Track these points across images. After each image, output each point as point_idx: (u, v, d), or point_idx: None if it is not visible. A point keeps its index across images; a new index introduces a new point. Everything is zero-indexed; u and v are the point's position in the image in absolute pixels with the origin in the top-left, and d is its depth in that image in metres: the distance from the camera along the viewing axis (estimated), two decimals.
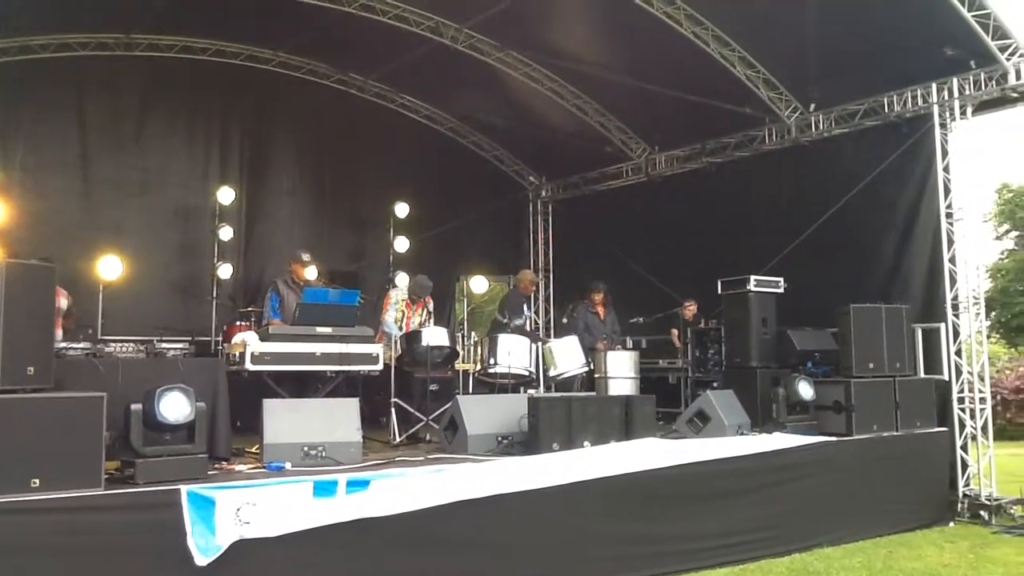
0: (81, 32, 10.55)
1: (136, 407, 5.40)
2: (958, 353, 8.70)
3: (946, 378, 8.69)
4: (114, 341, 7.13)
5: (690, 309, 10.72)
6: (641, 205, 12.31)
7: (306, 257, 8.65)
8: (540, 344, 9.12)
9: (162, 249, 11.10)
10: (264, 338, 7.30)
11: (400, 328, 8.98)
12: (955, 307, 8.72)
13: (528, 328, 9.47)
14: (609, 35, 10.75)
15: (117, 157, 11.01)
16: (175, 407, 5.47)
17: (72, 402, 5.07)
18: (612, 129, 12.28)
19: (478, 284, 12.03)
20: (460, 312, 12.33)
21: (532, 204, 14.26)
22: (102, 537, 4.83)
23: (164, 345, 6.78)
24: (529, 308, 9.71)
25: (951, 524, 8.30)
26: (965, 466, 8.56)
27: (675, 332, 10.95)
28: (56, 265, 5.42)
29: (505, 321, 9.68)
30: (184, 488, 5.09)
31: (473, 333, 9.98)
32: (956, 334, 8.69)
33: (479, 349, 9.03)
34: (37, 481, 4.75)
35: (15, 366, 4.93)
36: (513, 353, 8.54)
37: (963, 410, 8.64)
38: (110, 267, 9.63)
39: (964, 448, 8.59)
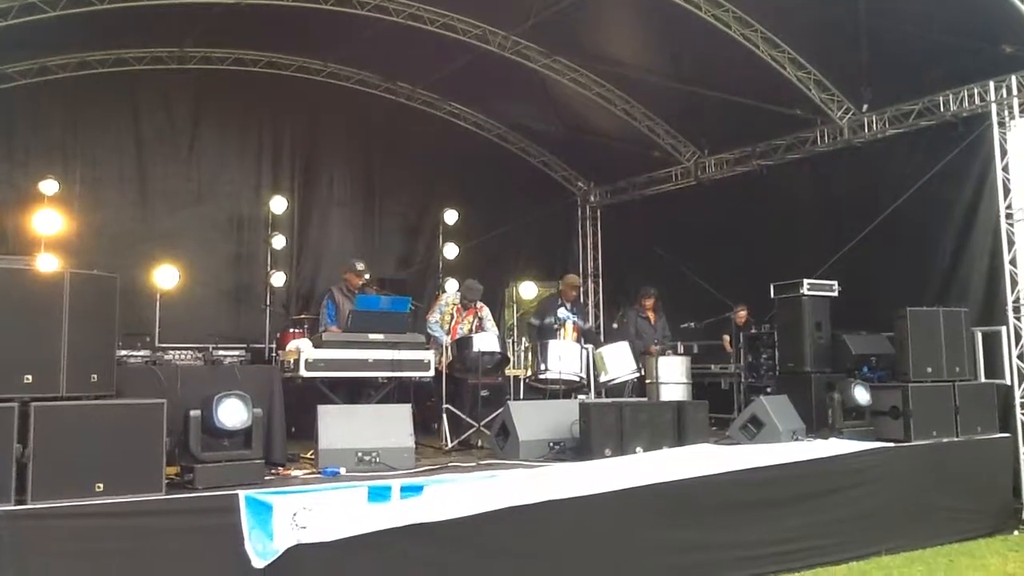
0: (136, 47, 10.79)
1: (195, 413, 5.49)
2: (1020, 357, 8.49)
3: (1008, 382, 8.48)
4: (171, 349, 7.25)
5: (741, 314, 10.60)
6: (691, 209, 12.22)
7: (360, 267, 8.74)
8: (585, 342, 9.11)
9: (216, 258, 11.33)
10: (318, 345, 7.39)
11: (447, 333, 9.02)
12: (1016, 310, 8.50)
13: (556, 327, 9.39)
14: (656, 39, 10.71)
15: (172, 168, 11.26)
16: (233, 413, 5.55)
17: (134, 409, 5.19)
18: (660, 133, 12.22)
19: (527, 290, 12.05)
20: (509, 318, 12.34)
21: (581, 209, 14.26)
22: (163, 540, 4.92)
23: (220, 352, 6.88)
24: (570, 311, 9.63)
25: (1015, 533, 8.06)
26: None
27: (727, 338, 10.84)
28: (117, 275, 5.53)
29: (536, 324, 9.65)
30: (242, 493, 5.16)
31: (523, 339, 9.95)
32: (1018, 337, 8.48)
33: (529, 355, 9.02)
34: (101, 486, 4.86)
35: (79, 374, 5.05)
36: (564, 358, 8.52)
37: None
38: (166, 276, 9.82)
39: None
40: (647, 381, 9.62)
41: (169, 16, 9.77)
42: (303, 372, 7.17)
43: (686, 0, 9.25)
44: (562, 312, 9.54)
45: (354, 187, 12.55)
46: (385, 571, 5.41)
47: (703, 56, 10.20)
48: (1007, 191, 8.61)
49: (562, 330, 9.39)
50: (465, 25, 10.66)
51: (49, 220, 9.49)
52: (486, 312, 9.36)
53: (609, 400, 8.21)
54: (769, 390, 9.27)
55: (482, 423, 8.16)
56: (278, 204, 11.32)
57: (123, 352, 6.19)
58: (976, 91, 8.84)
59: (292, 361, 7.32)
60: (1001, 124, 8.69)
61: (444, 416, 8.21)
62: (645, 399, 9.18)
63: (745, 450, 7.24)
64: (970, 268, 8.91)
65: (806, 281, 9.11)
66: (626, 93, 11.77)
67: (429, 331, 8.98)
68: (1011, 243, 8.55)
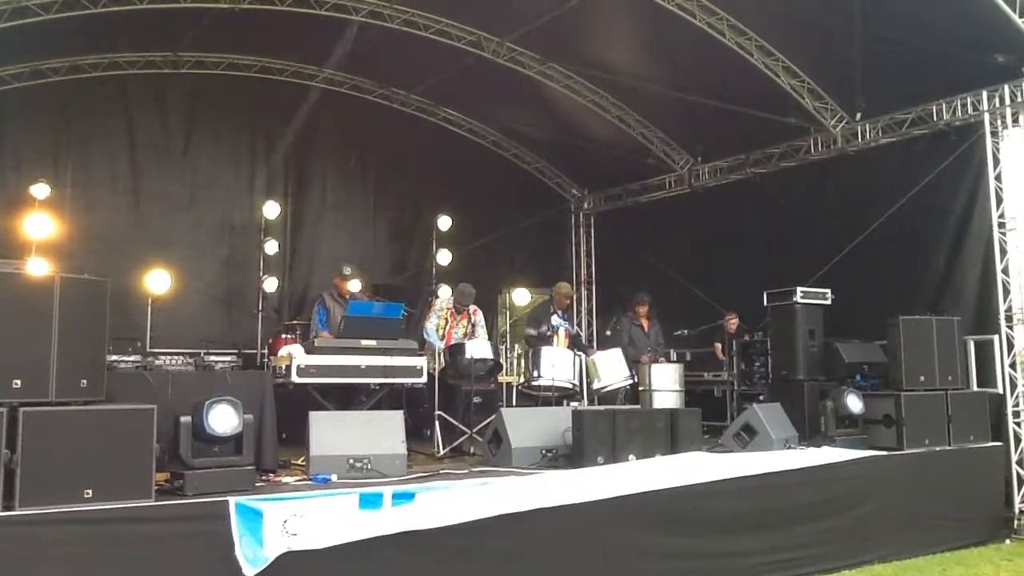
0: (129, 51, 10.75)
1: (185, 419, 5.47)
2: (1012, 366, 8.50)
3: (1000, 391, 8.49)
4: (162, 354, 7.22)
5: (732, 321, 10.59)
6: (685, 216, 12.22)
7: (347, 271, 8.72)
8: (579, 349, 9.11)
9: (209, 263, 11.29)
10: (310, 351, 7.36)
11: (441, 338, 8.99)
12: (1008, 319, 8.50)
13: (550, 334, 9.40)
14: (651, 46, 10.71)
15: (165, 173, 11.21)
16: (223, 419, 5.53)
17: (123, 414, 5.15)
18: (654, 140, 12.22)
19: (520, 296, 12.02)
20: (502, 324, 12.31)
21: (574, 216, 14.25)
22: (152, 547, 4.88)
23: (212, 358, 6.86)
24: (561, 318, 9.64)
25: (1007, 541, 8.08)
26: (1021, 482, 8.31)
27: (719, 345, 10.82)
28: (108, 280, 5.49)
29: (534, 334, 9.65)
30: (232, 500, 5.13)
31: (516, 346, 9.94)
32: (1010, 346, 8.48)
33: (522, 362, 9.01)
34: (90, 492, 4.82)
35: (68, 379, 5.01)
36: (557, 365, 8.51)
37: (1019, 424, 8.41)
38: (158, 281, 9.78)
39: (1020, 463, 8.35)
40: (640, 388, 9.60)
41: (163, 20, 9.75)
42: (295, 378, 7.15)
43: (681, 8, 9.26)
44: (555, 319, 9.55)
45: (347, 193, 12.55)
46: None
47: (697, 64, 10.21)
48: (1000, 200, 8.63)
49: (555, 337, 9.39)
50: (459, 31, 10.66)
51: (40, 224, 9.43)
52: (479, 316, 9.35)
53: (602, 407, 8.21)
54: (762, 398, 9.27)
55: (475, 430, 8.15)
56: (271, 209, 11.30)
57: (113, 357, 6.18)
58: (969, 100, 8.86)
59: (284, 367, 7.30)
60: (994, 133, 8.70)
61: (436, 423, 8.20)
62: (638, 406, 9.17)
63: (738, 458, 7.25)
64: (963, 277, 8.92)
65: (799, 289, 9.12)
66: (620, 100, 11.76)
67: (425, 336, 8.97)
68: (1003, 252, 8.57)
